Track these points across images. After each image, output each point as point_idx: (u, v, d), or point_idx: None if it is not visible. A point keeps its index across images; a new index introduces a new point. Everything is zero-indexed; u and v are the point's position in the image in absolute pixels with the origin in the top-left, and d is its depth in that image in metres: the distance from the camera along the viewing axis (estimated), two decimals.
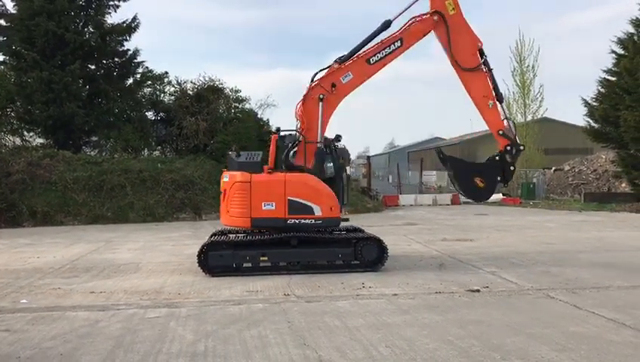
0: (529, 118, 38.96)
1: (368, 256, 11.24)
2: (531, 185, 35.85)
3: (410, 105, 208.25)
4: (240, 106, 31.82)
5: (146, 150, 29.82)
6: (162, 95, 31.42)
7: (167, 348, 6.48)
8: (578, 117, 57.01)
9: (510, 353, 6.15)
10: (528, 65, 38.68)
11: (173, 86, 31.25)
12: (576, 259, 12.52)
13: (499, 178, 11.76)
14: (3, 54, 27.64)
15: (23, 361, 6.15)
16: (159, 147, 31.23)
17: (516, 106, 39.07)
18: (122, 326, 7.46)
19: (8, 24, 27.20)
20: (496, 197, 34.53)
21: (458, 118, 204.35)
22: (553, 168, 40.13)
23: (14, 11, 27.21)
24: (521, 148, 11.84)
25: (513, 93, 39.13)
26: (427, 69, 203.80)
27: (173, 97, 31.04)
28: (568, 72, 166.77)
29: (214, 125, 29.24)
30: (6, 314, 8.28)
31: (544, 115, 40.55)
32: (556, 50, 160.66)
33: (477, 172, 11.99)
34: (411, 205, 32.57)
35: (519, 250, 14.08)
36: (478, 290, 9.38)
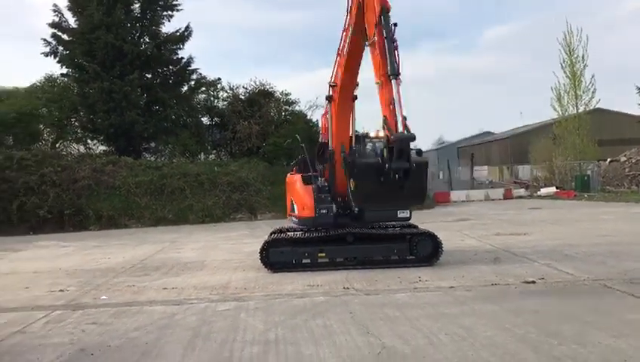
0: (581, 109, 38.16)
1: (423, 251, 11.57)
2: (585, 178, 35.19)
3: (457, 100, 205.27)
4: (290, 109, 32.56)
5: (202, 154, 30.97)
6: (216, 100, 32.64)
7: (241, 337, 7.02)
8: (634, 106, 55.09)
9: (567, 339, 6.40)
10: (577, 56, 37.90)
11: (226, 91, 32.41)
12: (633, 251, 12.46)
13: (381, 179, 9.63)
14: (66, 67, 29.09)
15: (114, 349, 6.79)
16: (214, 151, 32.36)
17: (567, 98, 38.32)
18: (197, 318, 8.06)
19: (70, 38, 28.63)
20: (550, 190, 34.13)
21: (508, 111, 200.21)
22: (608, 160, 39.21)
23: (75, 26, 28.59)
24: (394, 138, 9.25)
25: (564, 85, 38.41)
26: (475, 62, 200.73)
27: (226, 102, 32.17)
28: (623, 61, 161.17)
29: (266, 128, 30.12)
30: (90, 309, 9.03)
31: (597, 106, 39.65)
32: (609, 39, 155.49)
33: (352, 173, 10.46)
34: (463, 201, 32.54)
35: (574, 242, 14.08)
36: (533, 281, 9.58)
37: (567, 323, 7.04)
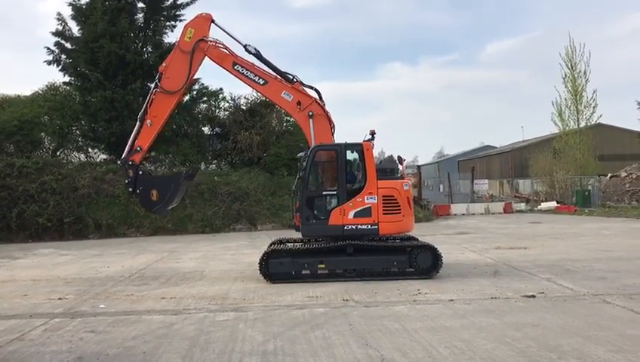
0: (582, 124, 38.20)
1: (423, 263, 11.55)
2: (586, 193, 35.14)
3: (458, 114, 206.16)
4: (291, 119, 32.53)
5: (202, 164, 30.89)
6: (217, 110, 32.48)
7: (239, 347, 6.99)
8: (635, 122, 55.10)
9: (567, 353, 6.38)
10: (579, 71, 37.98)
11: (227, 102, 32.32)
12: (634, 266, 12.46)
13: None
14: (69, 75, 29.09)
15: (112, 358, 6.76)
16: (215, 161, 32.27)
17: (569, 113, 38.38)
18: (195, 328, 8.04)
19: (73, 47, 28.66)
20: (551, 205, 34.10)
21: (509, 125, 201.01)
22: (609, 175, 39.17)
23: (79, 35, 28.67)
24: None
25: (565, 99, 38.48)
26: (476, 76, 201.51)
27: (227, 112, 32.13)
28: (625, 77, 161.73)
29: (267, 138, 30.10)
30: (88, 317, 9.00)
31: (598, 121, 39.70)
32: (611, 55, 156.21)
33: (155, 186, 12.40)
34: (463, 214, 32.46)
35: (574, 257, 14.07)
36: (533, 296, 9.56)
37: (567, 337, 7.02)
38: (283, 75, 12.34)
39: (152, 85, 12.43)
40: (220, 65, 12.46)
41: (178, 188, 12.49)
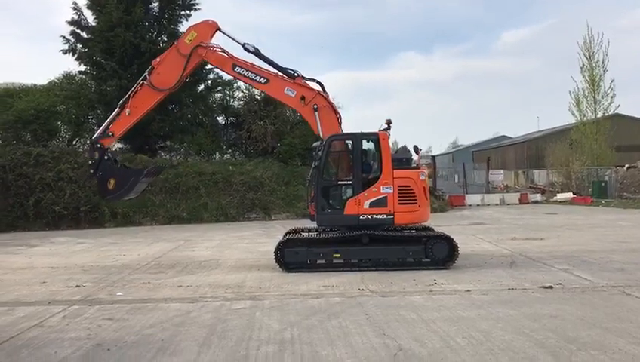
0: (599, 114, 37.76)
1: (439, 253, 11.50)
2: (603, 184, 34.78)
3: (473, 103, 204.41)
4: None
5: (217, 153, 31.02)
6: (232, 100, 32.55)
7: (256, 335, 7.01)
8: None
9: (586, 345, 6.32)
10: (597, 60, 37.49)
11: (242, 91, 32.30)
12: None
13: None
14: (84, 65, 29.21)
15: (130, 345, 6.81)
16: (230, 150, 32.39)
17: (586, 103, 37.96)
18: (212, 316, 8.08)
19: (89, 36, 28.77)
20: (567, 196, 33.81)
21: (524, 115, 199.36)
22: (626, 166, 38.71)
23: (94, 24, 28.77)
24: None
25: (583, 89, 38.04)
26: (491, 65, 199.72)
27: (242, 102, 32.15)
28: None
29: (281, 128, 30.09)
30: (106, 304, 9.08)
31: (616, 112, 39.20)
32: (630, 43, 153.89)
33: (114, 175, 12.28)
34: (478, 205, 32.27)
35: (591, 248, 13.95)
36: (551, 287, 9.49)
37: (586, 329, 6.96)
38: (284, 70, 12.23)
39: (142, 77, 12.37)
40: (221, 69, 12.59)
41: (136, 183, 12.50)
